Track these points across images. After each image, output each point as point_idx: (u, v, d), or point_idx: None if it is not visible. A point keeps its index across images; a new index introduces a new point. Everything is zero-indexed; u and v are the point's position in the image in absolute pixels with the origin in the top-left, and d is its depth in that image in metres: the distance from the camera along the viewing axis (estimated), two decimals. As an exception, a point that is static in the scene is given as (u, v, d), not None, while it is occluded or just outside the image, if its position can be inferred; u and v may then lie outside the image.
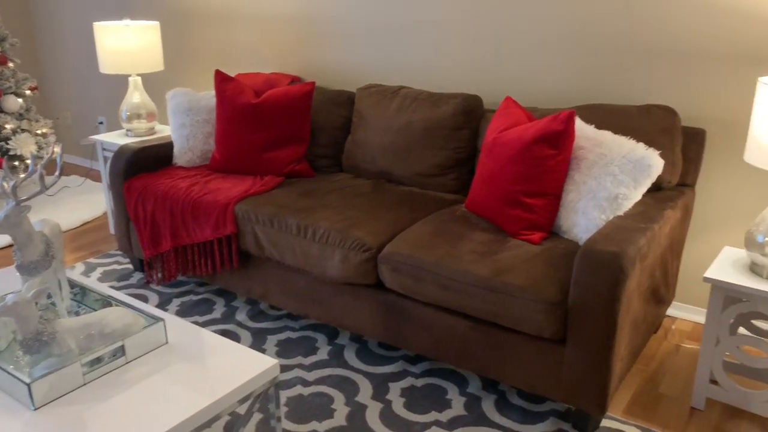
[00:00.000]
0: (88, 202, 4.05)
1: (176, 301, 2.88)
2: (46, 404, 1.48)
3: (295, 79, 3.30)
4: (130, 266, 3.23)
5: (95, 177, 4.60)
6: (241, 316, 2.76)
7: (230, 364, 1.64)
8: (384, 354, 2.47)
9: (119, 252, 3.39)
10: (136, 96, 3.48)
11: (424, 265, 2.11)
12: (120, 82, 4.38)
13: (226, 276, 2.75)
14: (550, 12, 2.66)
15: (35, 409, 1.46)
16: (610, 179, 2.06)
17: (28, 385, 1.44)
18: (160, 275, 2.87)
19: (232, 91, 2.94)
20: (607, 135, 2.17)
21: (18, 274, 1.72)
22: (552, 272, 1.96)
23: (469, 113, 2.69)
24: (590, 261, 1.81)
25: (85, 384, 1.55)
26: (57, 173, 1.67)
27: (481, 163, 2.36)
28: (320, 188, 2.75)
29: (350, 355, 2.46)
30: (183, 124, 3.06)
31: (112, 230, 3.64)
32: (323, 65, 3.38)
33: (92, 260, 3.29)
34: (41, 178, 1.63)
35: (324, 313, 2.47)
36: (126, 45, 3.29)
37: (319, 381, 2.29)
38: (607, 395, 1.91)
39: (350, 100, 3.08)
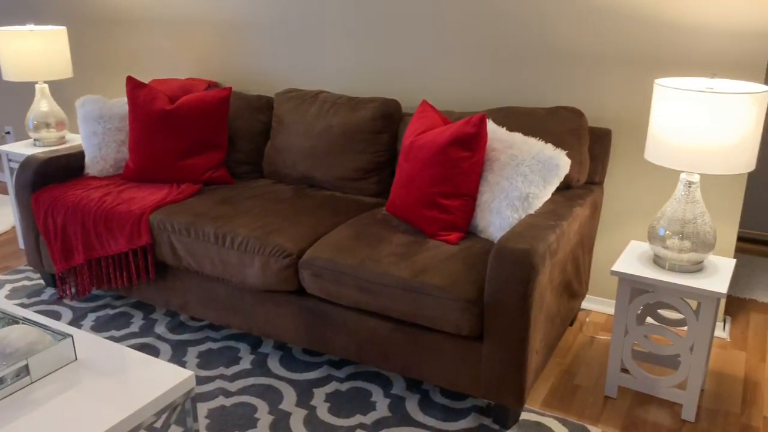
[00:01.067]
0: (-6, 216, 3.84)
1: (91, 316, 2.77)
2: (-59, 431, 1.40)
3: (211, 85, 3.24)
4: (42, 282, 3.08)
5: (2, 189, 4.37)
6: (160, 328, 2.68)
7: (144, 378, 1.59)
8: (308, 360, 2.45)
9: (29, 267, 3.23)
10: (43, 104, 3.33)
11: (344, 269, 2.11)
12: (27, 90, 4.18)
13: (144, 288, 2.66)
14: (465, 18, 2.73)
15: (-72, 438, 1.38)
16: (521, 179, 2.13)
17: None
18: (73, 290, 2.75)
19: (145, 97, 2.86)
20: (517, 137, 2.24)
21: None
22: (469, 271, 2.00)
23: (388, 117, 2.72)
24: (503, 258, 1.87)
25: (-16, 407, 1.47)
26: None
27: (400, 166, 2.39)
28: (239, 195, 2.71)
29: (274, 363, 2.43)
30: (94, 132, 2.95)
31: (21, 245, 3.46)
32: (241, 70, 3.33)
33: (0, 277, 3.12)
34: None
35: (245, 322, 2.44)
36: (31, 51, 3.15)
37: (242, 391, 2.26)
38: (525, 388, 1.97)
39: (269, 105, 3.06)
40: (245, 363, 2.43)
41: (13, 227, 3.76)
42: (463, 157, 2.17)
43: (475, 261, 2.06)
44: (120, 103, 3.01)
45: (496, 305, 1.90)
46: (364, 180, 2.76)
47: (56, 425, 1.42)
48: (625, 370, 2.31)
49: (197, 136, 2.87)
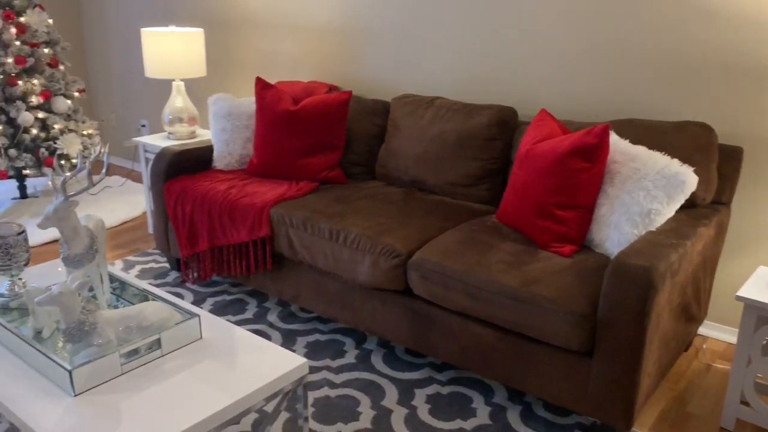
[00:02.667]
0: (128, 202, 4.18)
1: (210, 301, 2.95)
2: (86, 391, 1.55)
3: (332, 88, 3.36)
4: (167, 265, 3.32)
5: (136, 178, 4.74)
6: (272, 317, 2.82)
7: (261, 362, 1.68)
8: (410, 360, 2.49)
9: (157, 251, 3.49)
10: (178, 100, 3.58)
11: (452, 273, 2.13)
12: (162, 87, 4.51)
13: (260, 277, 2.81)
14: (588, 26, 2.67)
15: (75, 395, 1.53)
16: (643, 194, 2.06)
17: (70, 371, 1.51)
18: (195, 274, 2.95)
19: (271, 98, 3.02)
20: (641, 150, 2.17)
21: (63, 266, 1.80)
22: (581, 285, 1.96)
23: (503, 124, 2.71)
24: (621, 275, 1.82)
25: (122, 374, 1.61)
26: (103, 171, 1.75)
27: (514, 174, 2.37)
28: (353, 195, 2.80)
29: (377, 360, 2.49)
30: (223, 128, 3.15)
31: (150, 230, 3.75)
32: (360, 75, 3.43)
33: (131, 258, 3.39)
34: (89, 175, 1.70)
35: (353, 318, 2.51)
36: (171, 51, 3.40)
37: (346, 384, 2.33)
38: (634, 410, 1.90)
39: (385, 109, 3.13)
40: (350, 357, 2.51)
41: (144, 213, 4.07)
42: (583, 168, 2.13)
43: (589, 275, 2.01)
44: (248, 102, 3.19)
45: (610, 322, 1.85)
46: (474, 186, 2.76)
47: (182, 396, 1.53)
48: (745, 403, 2.17)
49: (317, 136, 2.99)
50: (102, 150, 3.87)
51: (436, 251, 2.23)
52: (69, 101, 3.87)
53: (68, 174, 1.74)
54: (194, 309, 1.87)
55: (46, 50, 3.80)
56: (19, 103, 3.62)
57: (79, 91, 3.99)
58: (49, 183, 3.82)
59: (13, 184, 4.43)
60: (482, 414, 2.17)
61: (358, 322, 2.50)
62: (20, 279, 2.00)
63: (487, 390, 2.31)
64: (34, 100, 3.69)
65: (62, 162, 3.83)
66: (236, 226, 2.74)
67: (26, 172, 3.73)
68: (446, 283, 2.14)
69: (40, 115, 3.72)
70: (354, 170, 3.14)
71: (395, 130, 2.99)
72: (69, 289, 1.58)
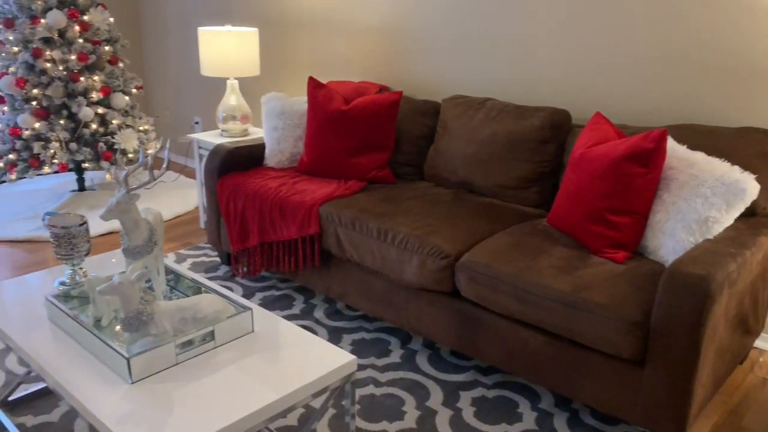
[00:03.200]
0: (181, 197, 4.28)
1: (259, 295, 3.00)
2: (142, 379, 1.60)
3: (383, 88, 3.38)
4: (218, 259, 3.39)
5: (189, 173, 4.86)
6: (318, 313, 2.85)
7: (310, 357, 1.71)
8: (456, 362, 2.49)
9: (208, 245, 3.57)
10: (232, 98, 3.66)
11: (502, 276, 2.12)
12: (215, 85, 4.61)
13: (307, 274, 2.84)
14: (645, 29, 2.61)
15: (132, 383, 1.58)
16: (700, 201, 2.01)
17: (128, 359, 1.56)
18: (245, 269, 3.01)
19: (323, 97, 3.05)
20: (699, 156, 2.11)
21: (123, 257, 1.85)
22: (635, 292, 1.93)
23: (556, 127, 2.68)
24: (676, 283, 1.77)
25: (177, 364, 1.66)
26: (164, 167, 1.80)
27: (567, 177, 2.34)
28: (401, 195, 2.81)
29: (422, 361, 2.49)
30: (275, 127, 3.20)
31: (202, 224, 3.83)
32: (410, 75, 3.44)
33: (183, 251, 3.48)
34: (150, 170, 1.76)
35: (399, 317, 2.52)
36: (226, 50, 3.47)
37: (391, 383, 2.34)
38: (686, 422, 1.86)
39: (435, 110, 3.13)
40: (395, 356, 2.52)
41: (196, 208, 4.17)
42: (638, 173, 2.09)
43: (643, 283, 1.97)
44: (299, 101, 3.23)
45: (664, 331, 1.81)
46: (525, 189, 2.74)
47: (233, 389, 1.57)
48: (804, 421, 2.09)
49: (367, 136, 3.01)
50: (164, 146, 3.98)
51: (486, 253, 2.22)
52: (127, 97, 3.99)
53: (130, 168, 1.80)
54: (248, 303, 1.90)
55: (106, 48, 3.93)
56: (80, 98, 3.75)
57: (137, 87, 4.12)
58: (107, 176, 3.95)
59: (72, 176, 4.60)
60: (528, 419, 2.15)
61: (403, 322, 2.51)
62: (81, 268, 2.07)
63: (533, 395, 2.29)
64: (95, 95, 3.82)
65: (118, 156, 3.95)
66: (286, 223, 2.79)
67: (85, 165, 3.86)
68: (495, 286, 2.13)
69: (100, 110, 3.85)
70: (402, 170, 3.15)
71: (445, 130, 2.99)
72: (129, 280, 1.63)
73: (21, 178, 3.78)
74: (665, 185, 2.12)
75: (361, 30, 3.59)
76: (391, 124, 3.05)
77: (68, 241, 1.99)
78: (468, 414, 2.17)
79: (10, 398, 2.21)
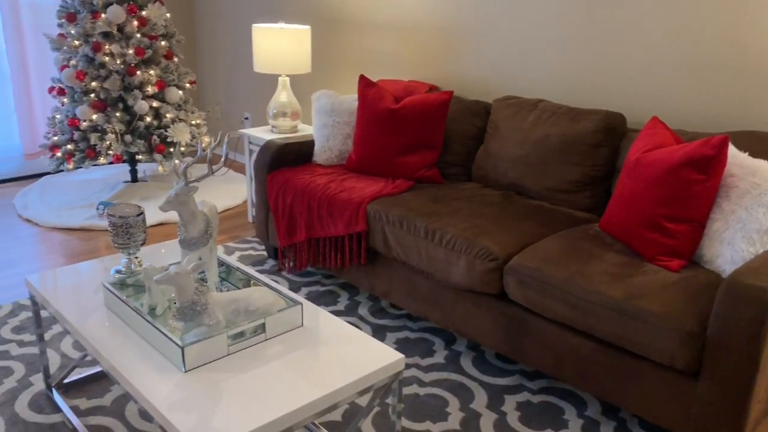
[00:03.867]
0: (230, 191, 4.36)
1: (304, 290, 3.03)
2: (195, 368, 1.63)
3: (432, 88, 3.37)
4: (265, 253, 3.44)
5: (237, 168, 4.93)
6: (363, 310, 2.86)
7: (358, 354, 1.72)
8: (501, 366, 2.46)
9: (256, 239, 3.62)
10: (283, 95, 3.70)
11: (552, 280, 2.09)
12: (265, 82, 4.67)
13: (353, 271, 2.86)
14: (704, 33, 2.54)
15: (185, 372, 1.61)
16: (762, 211, 1.94)
17: (182, 348, 1.59)
18: (291, 264, 3.04)
19: (373, 95, 3.06)
20: (762, 164, 2.04)
21: (179, 247, 1.89)
22: (690, 302, 1.88)
23: (611, 131, 2.63)
24: (735, 294, 1.72)
25: (228, 354, 1.69)
26: (222, 160, 1.83)
27: (621, 182, 2.30)
28: (449, 195, 2.79)
29: (466, 362, 2.47)
30: (325, 124, 3.22)
31: (250, 218, 3.89)
32: (460, 75, 3.42)
33: (231, 244, 3.53)
34: (209, 163, 1.79)
35: (444, 318, 2.51)
36: (279, 47, 3.52)
37: (435, 383, 2.33)
38: (741, 438, 1.80)
39: (486, 110, 3.10)
40: (439, 357, 2.51)
41: (245, 202, 4.23)
42: (697, 180, 2.03)
43: (699, 292, 1.92)
44: (349, 99, 3.25)
45: (721, 343, 1.75)
46: (576, 193, 2.70)
47: (282, 382, 1.59)
48: None
49: (416, 135, 3.01)
50: (221, 141, 4.06)
51: (536, 257, 2.19)
52: (181, 92, 4.08)
53: (189, 160, 1.84)
54: (298, 297, 1.92)
55: (162, 43, 4.02)
56: (136, 92, 3.85)
57: (191, 82, 4.20)
58: (159, 168, 4.04)
59: (125, 167, 4.73)
60: (574, 426, 2.12)
61: (448, 323, 2.50)
62: (136, 257, 2.13)
63: (579, 402, 2.25)
64: (150, 89, 3.92)
65: (171, 149, 4.04)
66: (334, 220, 2.81)
67: (138, 157, 3.96)
68: (545, 291, 2.10)
69: (154, 104, 3.94)
70: (450, 170, 3.13)
71: (496, 131, 2.96)
72: (185, 270, 1.67)
73: (77, 168, 3.90)
74: (724, 193, 2.06)
75: (412, 28, 3.59)
76: (441, 123, 3.04)
77: (125, 230, 2.04)
78: (513, 418, 2.15)
79: (66, 381, 2.28)
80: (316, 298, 2.95)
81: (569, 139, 2.69)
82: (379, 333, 2.67)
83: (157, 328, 1.67)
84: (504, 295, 2.29)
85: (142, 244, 2.10)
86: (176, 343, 1.60)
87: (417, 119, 3.00)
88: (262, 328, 1.75)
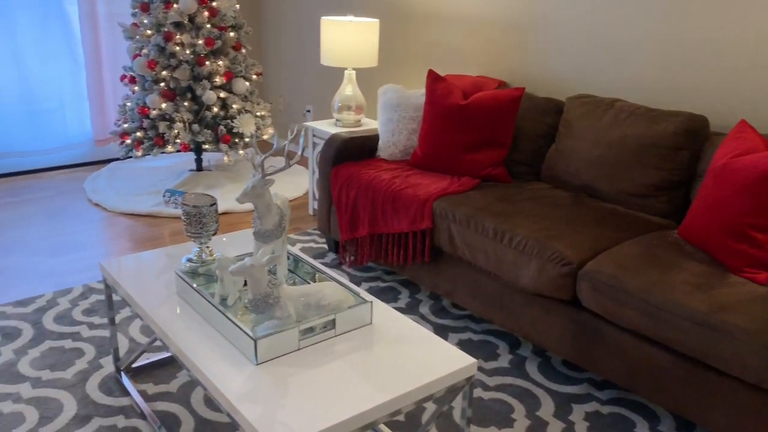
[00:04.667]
0: (291, 183, 4.38)
1: (364, 285, 3.01)
2: (266, 361, 1.63)
3: (501, 84, 3.30)
4: (325, 246, 3.44)
5: (299, 160, 4.95)
6: (424, 309, 2.82)
7: (429, 356, 1.68)
8: (567, 373, 2.39)
9: (317, 231, 3.62)
10: (348, 89, 3.69)
11: (629, 289, 2.00)
12: (328, 75, 4.67)
13: (415, 268, 2.82)
14: (805, 31, 2.39)
15: (257, 364, 1.61)
16: None
17: (255, 341, 1.59)
18: (352, 258, 3.03)
19: (442, 90, 3.01)
20: None
21: (253, 239, 1.89)
22: (781, 318, 1.77)
23: (693, 134, 2.51)
24: (835, 313, 1.61)
25: (299, 349, 1.68)
26: (299, 154, 1.82)
27: (705, 188, 2.19)
28: (517, 195, 2.72)
29: (532, 368, 2.41)
30: (390, 119, 3.19)
31: (311, 211, 3.90)
32: (530, 71, 3.33)
33: (292, 236, 3.55)
34: (287, 156, 1.78)
35: (509, 321, 2.45)
36: (347, 40, 3.50)
37: (500, 388, 2.28)
38: (834, 467, 1.69)
39: (557, 108, 3.01)
40: (503, 361, 2.45)
41: (305, 194, 4.25)
42: (793, 189, 1.91)
43: (791, 308, 1.81)
44: (416, 94, 3.21)
45: (817, 364, 1.65)
46: (652, 198, 2.59)
47: (351, 381, 1.56)
48: None
49: (484, 132, 2.95)
50: (298, 134, 4.08)
51: (612, 263, 2.11)
52: (248, 83, 4.11)
53: (268, 153, 1.83)
54: (367, 295, 1.89)
55: (231, 34, 4.06)
56: (204, 82, 3.90)
57: (257, 74, 4.23)
58: (225, 158, 4.08)
59: (191, 156, 4.81)
60: (646, 441, 2.04)
61: (515, 327, 2.44)
62: (207, 247, 2.15)
63: (651, 415, 2.16)
64: (218, 80, 3.97)
65: (236, 140, 4.08)
66: (398, 216, 2.77)
67: (205, 146, 4.02)
68: (621, 299, 2.02)
69: (222, 94, 3.99)
70: (518, 169, 3.06)
71: (569, 130, 2.87)
72: (260, 263, 1.66)
73: (145, 155, 3.99)
74: (823, 204, 1.93)
75: (482, 23, 3.52)
76: (511, 120, 2.96)
77: (198, 220, 2.05)
78: (581, 428, 2.08)
79: (134, 365, 2.33)
80: (377, 295, 2.93)
81: (648, 141, 2.58)
82: (440, 333, 2.63)
83: (231, 320, 1.67)
84: (576, 301, 2.22)
85: (214, 234, 2.11)
86: (249, 336, 1.60)
87: (486, 116, 2.94)
88: (332, 324, 1.73)
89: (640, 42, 2.88)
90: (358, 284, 3.03)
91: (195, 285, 1.85)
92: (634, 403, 2.23)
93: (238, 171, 4.52)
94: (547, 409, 2.17)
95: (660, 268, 2.05)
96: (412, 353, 1.69)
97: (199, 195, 2.12)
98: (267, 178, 1.75)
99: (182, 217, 2.07)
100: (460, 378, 1.65)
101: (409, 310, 2.82)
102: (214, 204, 2.08)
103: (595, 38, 3.04)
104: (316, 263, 2.06)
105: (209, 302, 1.76)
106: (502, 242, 2.39)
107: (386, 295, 2.93)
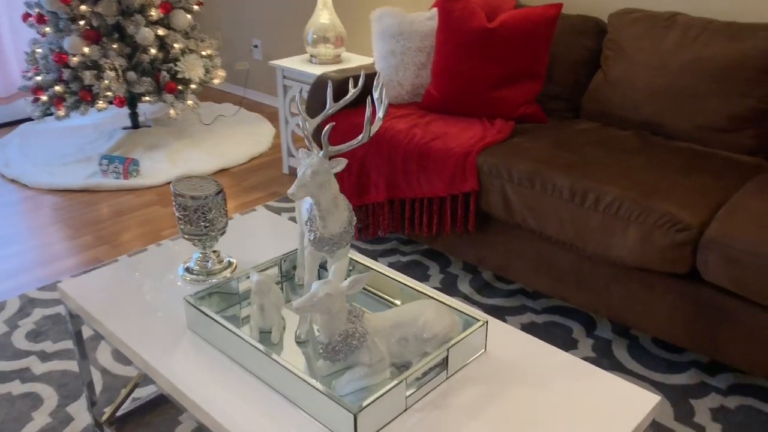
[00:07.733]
0: (250, 135, 3.67)
1: (382, 261, 2.46)
2: (367, 439, 1.07)
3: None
4: (319, 214, 2.83)
5: (249, 105, 4.22)
6: (463, 286, 2.31)
7: (585, 394, 1.17)
8: (667, 357, 1.96)
9: (302, 196, 3.00)
10: (324, 16, 2.99)
11: (782, 258, 1.56)
12: (277, 4, 3.90)
13: (452, 239, 2.29)
14: None
15: (357, 447, 1.05)
16: None
17: (355, 415, 1.02)
18: (359, 227, 2.46)
19: (461, 12, 2.40)
20: None
21: (309, 250, 1.25)
22: None
23: (791, 51, 2.05)
24: None
25: (406, 409, 1.13)
26: (371, 111, 1.21)
27: None
28: (572, 139, 2.21)
29: (622, 354, 1.97)
30: (392, 51, 2.56)
31: (285, 170, 3.25)
32: (551, -15, 2.75)
33: (272, 203, 2.91)
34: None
35: (591, 300, 1.98)
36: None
37: (598, 388, 1.82)
38: None
39: (598, 27, 2.48)
40: (584, 347, 2.00)
41: (271, 148, 3.56)
42: None
43: None
44: (421, 18, 2.58)
45: None
46: (736, 132, 2.14)
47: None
48: None
49: (517, 62, 2.38)
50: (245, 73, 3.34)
51: (747, 225, 1.65)
52: (189, 16, 3.32)
53: (322, 115, 1.22)
54: (477, 313, 1.34)
55: (162, -46, 3.23)
56: (137, 17, 3.09)
57: (198, 3, 3.44)
58: (170, 111, 3.32)
59: (123, 111, 3.97)
60: (801, 443, 1.65)
61: (599, 306, 1.97)
62: (214, 251, 1.52)
63: (786, 405, 1.78)
64: (153, 13, 3.16)
65: (180, 87, 3.33)
66: (428, 177, 2.21)
67: (146, 99, 3.25)
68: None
69: (160, 32, 3.20)
70: (551, 105, 2.54)
71: (620, 55, 2.35)
72: (338, 290, 1.08)
73: (71, 114, 3.18)
74: None
75: (486, -73, 2.87)
76: (546, 46, 2.41)
77: (202, 215, 1.42)
78: (717, 435, 1.67)
79: (119, 413, 1.70)
80: (400, 272, 2.39)
81: (730, 63, 2.10)
82: (494, 316, 2.14)
83: (322, 392, 1.07)
84: (693, 274, 1.76)
85: (223, 233, 1.49)
86: (346, 409, 1.03)
87: (519, 41, 2.37)
88: (444, 363, 1.19)
89: (700, -60, 2.35)
90: (374, 260, 2.46)
91: (233, 327, 1.23)
92: (764, 391, 1.83)
93: (183, 125, 3.76)
94: (664, 411, 1.74)
95: (809, 227, 1.61)
96: (560, 394, 1.17)
97: (193, 179, 1.48)
98: (333, 159, 1.14)
99: (176, 214, 1.43)
100: (644, 424, 1.16)
101: (447, 288, 2.30)
102: (221, 191, 1.45)
103: (638, -62, 2.48)
104: (400, 275, 1.48)
105: (260, 351, 1.16)
106: (583, 205, 1.88)
107: (412, 272, 2.40)
